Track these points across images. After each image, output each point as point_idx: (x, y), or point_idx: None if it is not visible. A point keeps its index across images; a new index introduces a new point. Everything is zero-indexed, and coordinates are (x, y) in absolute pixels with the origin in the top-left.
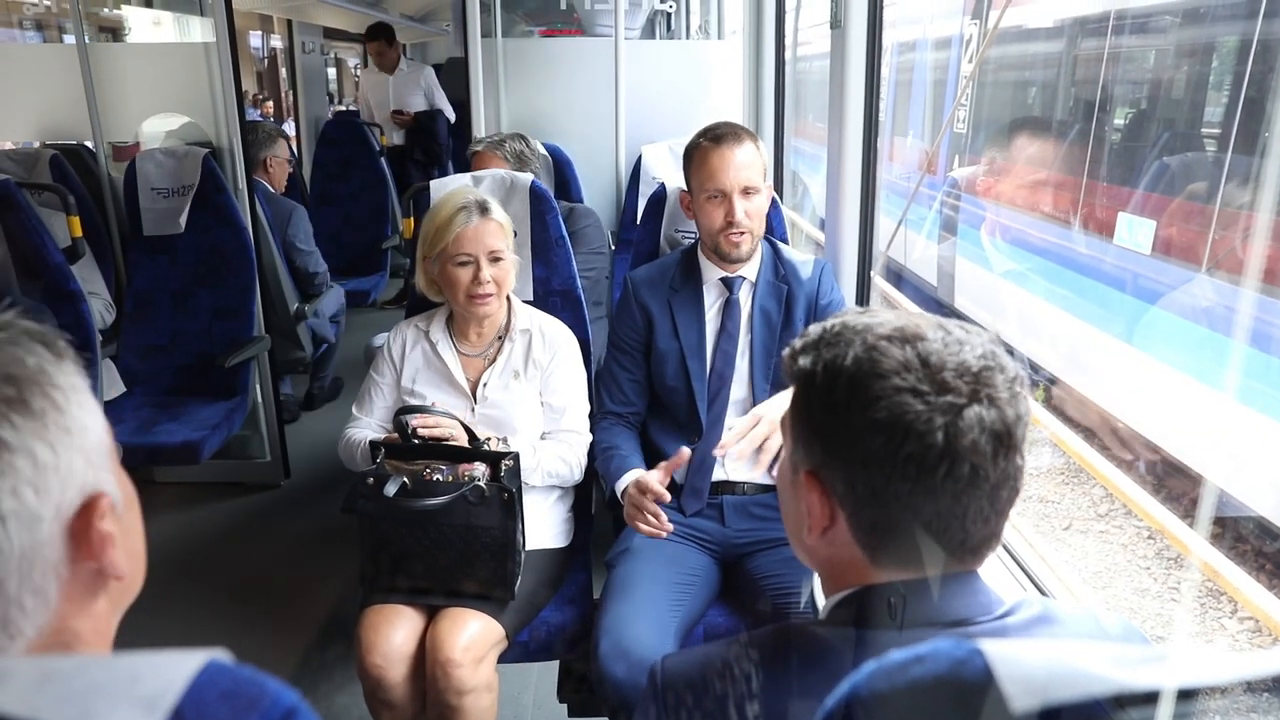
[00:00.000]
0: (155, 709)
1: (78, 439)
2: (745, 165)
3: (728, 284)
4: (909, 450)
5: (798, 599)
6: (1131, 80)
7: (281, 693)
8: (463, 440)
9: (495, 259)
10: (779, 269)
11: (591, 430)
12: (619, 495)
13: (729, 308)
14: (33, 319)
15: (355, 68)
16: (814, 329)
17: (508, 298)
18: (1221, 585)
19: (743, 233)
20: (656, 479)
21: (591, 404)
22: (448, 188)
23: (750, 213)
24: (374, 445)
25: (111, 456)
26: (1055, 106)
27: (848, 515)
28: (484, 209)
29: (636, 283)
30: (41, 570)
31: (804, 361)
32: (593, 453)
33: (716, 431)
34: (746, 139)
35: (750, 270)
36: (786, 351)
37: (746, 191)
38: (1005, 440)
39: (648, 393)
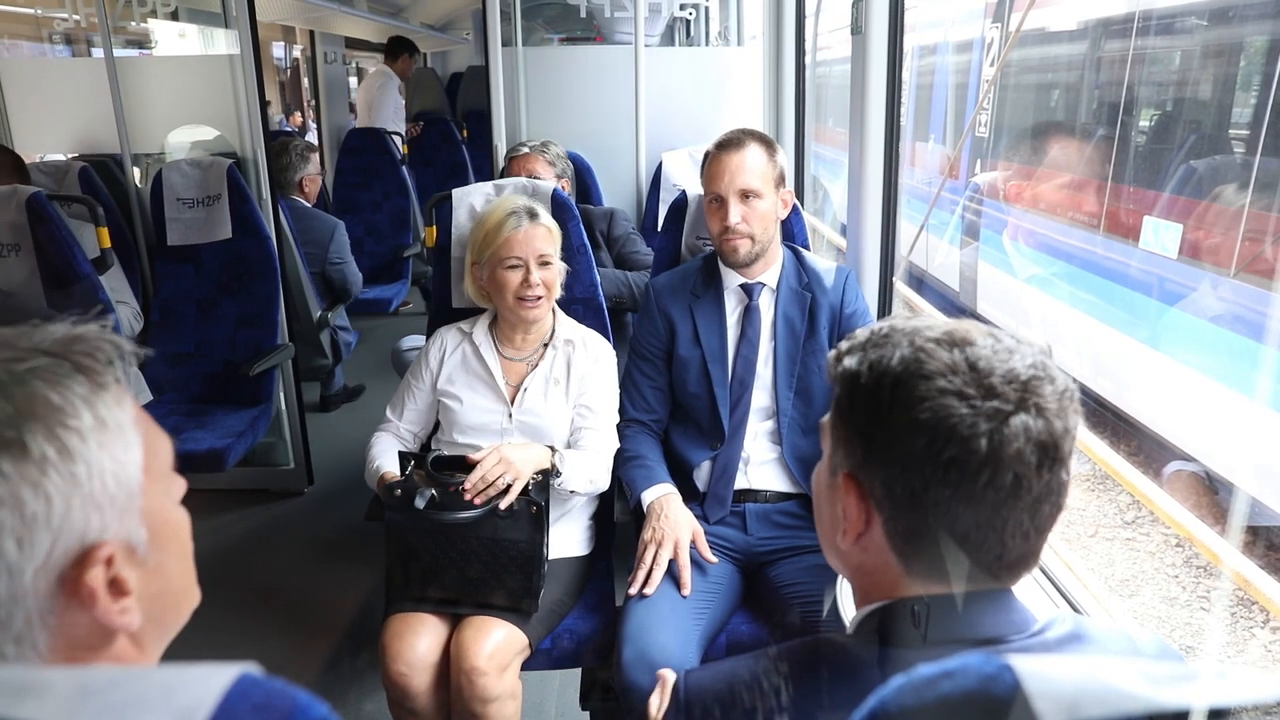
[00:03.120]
0: None
1: (87, 485)
2: (743, 169)
3: (748, 290)
4: (951, 454)
5: (820, 607)
6: (1156, 82)
7: (312, 705)
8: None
9: (544, 263)
10: (802, 276)
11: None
12: (643, 506)
13: (749, 314)
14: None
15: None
16: (861, 331)
17: (553, 308)
18: (1253, 594)
19: (740, 236)
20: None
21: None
22: (469, 197)
23: (748, 216)
24: (404, 456)
25: (144, 495)
26: (1079, 110)
27: (884, 520)
28: (533, 214)
29: (658, 290)
30: (23, 619)
31: (849, 362)
32: (616, 459)
33: (739, 438)
34: (750, 143)
35: (770, 277)
36: (832, 353)
37: (745, 196)
38: (1051, 452)
39: (670, 400)
